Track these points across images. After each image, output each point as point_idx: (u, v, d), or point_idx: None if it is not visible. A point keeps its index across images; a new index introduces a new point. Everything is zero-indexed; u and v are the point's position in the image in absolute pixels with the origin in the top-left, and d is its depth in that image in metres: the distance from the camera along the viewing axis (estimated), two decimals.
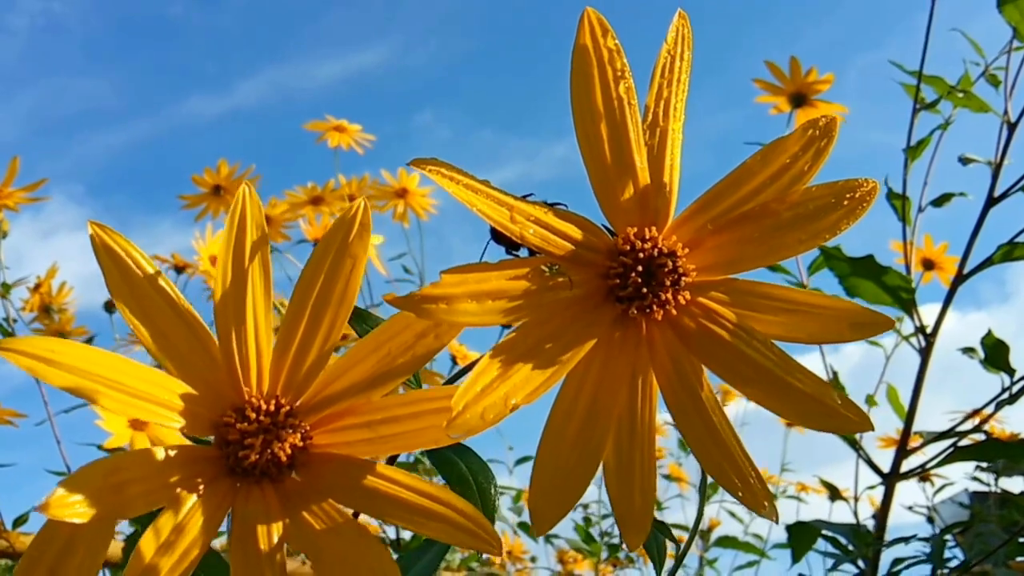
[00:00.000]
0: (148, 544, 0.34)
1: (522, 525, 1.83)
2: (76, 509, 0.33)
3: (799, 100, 1.51)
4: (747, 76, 1.58)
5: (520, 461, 1.90)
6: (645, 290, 0.39)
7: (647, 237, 0.39)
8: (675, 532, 0.59)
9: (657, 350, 0.40)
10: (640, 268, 0.38)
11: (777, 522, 0.39)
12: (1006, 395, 1.31)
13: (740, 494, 0.39)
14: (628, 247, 0.39)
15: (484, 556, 1.79)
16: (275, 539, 0.37)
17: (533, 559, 2.08)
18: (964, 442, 1.33)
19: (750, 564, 2.11)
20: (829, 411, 0.39)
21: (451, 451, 0.45)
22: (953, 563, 1.42)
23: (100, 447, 1.43)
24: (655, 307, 0.39)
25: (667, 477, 2.31)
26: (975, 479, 1.86)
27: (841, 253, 1.30)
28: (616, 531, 2.19)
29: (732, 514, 2.25)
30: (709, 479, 0.64)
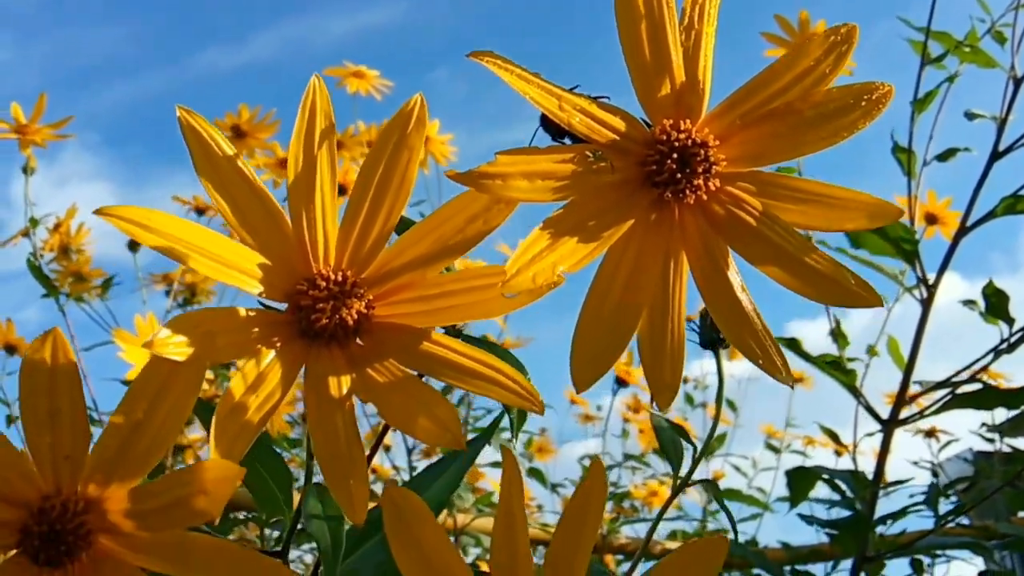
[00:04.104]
0: (237, 385, 0.39)
1: (531, 471, 1.88)
2: (175, 348, 0.37)
3: None
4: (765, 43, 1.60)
5: None
6: (679, 176, 0.42)
7: (682, 128, 0.43)
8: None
9: (688, 233, 0.44)
10: (675, 156, 0.42)
11: (792, 387, 0.43)
12: (1005, 345, 1.35)
13: (760, 361, 0.43)
14: (664, 136, 0.42)
15: (493, 499, 1.84)
16: (344, 390, 0.41)
17: (539, 506, 2.14)
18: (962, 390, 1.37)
19: (753, 517, 2.17)
20: (844, 289, 0.43)
21: (488, 349, 0.50)
22: (960, 519, 1.45)
23: (123, 381, 1.48)
24: (688, 192, 0.43)
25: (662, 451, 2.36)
26: (981, 436, 1.90)
27: None
28: (622, 481, 2.25)
29: (737, 468, 2.31)
30: (715, 432, 0.69)
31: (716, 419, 0.67)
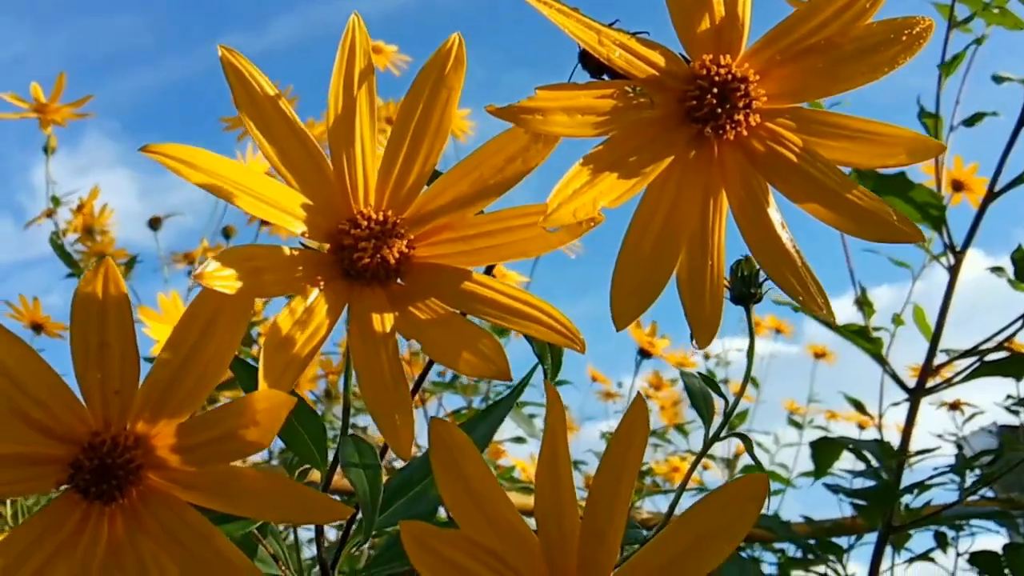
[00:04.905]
0: (284, 320, 0.39)
1: None
2: (225, 282, 0.37)
3: None
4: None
5: (559, 384, 1.95)
6: (719, 111, 0.42)
7: (722, 63, 0.42)
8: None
9: (728, 170, 0.44)
10: (715, 91, 0.42)
11: (834, 322, 0.43)
12: None
13: (800, 298, 0.43)
14: (704, 71, 0.42)
15: (516, 473, 1.85)
16: (387, 327, 0.42)
17: None
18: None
19: (775, 492, 2.16)
20: (885, 224, 0.43)
21: None
22: (983, 491, 1.44)
23: (147, 359, 1.49)
24: (728, 127, 0.43)
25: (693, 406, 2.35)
26: (1007, 409, 1.88)
27: (872, 170, 1.32)
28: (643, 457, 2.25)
29: (759, 444, 2.30)
30: (738, 408, 0.68)
31: (745, 382, 0.67)
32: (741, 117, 0.43)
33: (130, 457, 0.39)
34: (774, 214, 0.44)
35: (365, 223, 0.43)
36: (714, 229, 0.43)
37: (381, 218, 0.43)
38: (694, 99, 0.42)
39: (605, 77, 0.43)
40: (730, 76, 0.42)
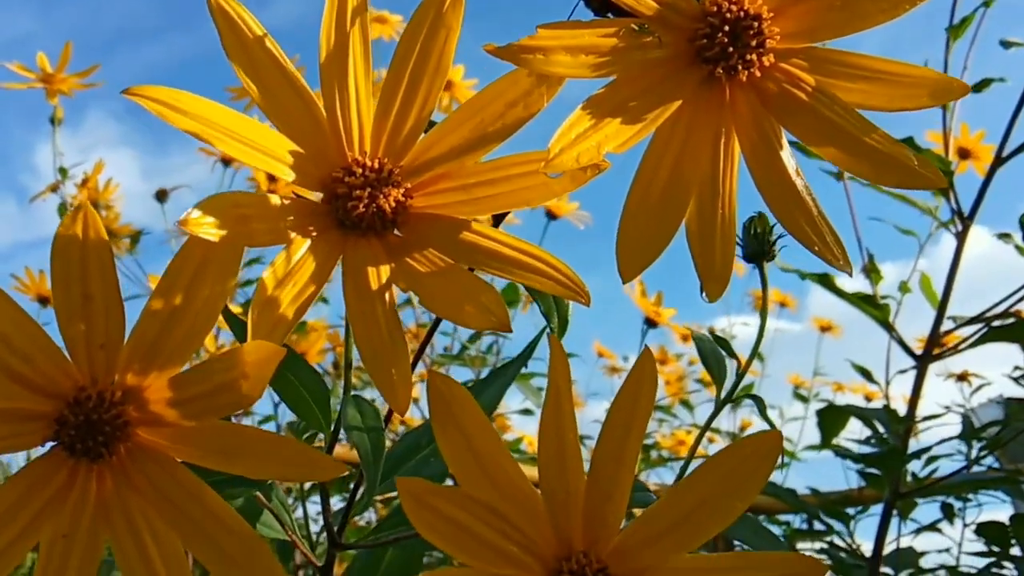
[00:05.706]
0: (273, 274, 0.37)
1: None
2: (210, 229, 0.36)
3: None
4: None
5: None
6: (731, 51, 0.40)
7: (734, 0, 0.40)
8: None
9: (740, 113, 0.42)
10: (727, 29, 0.40)
11: (851, 275, 0.42)
12: None
13: (816, 248, 0.41)
14: (715, 8, 0.40)
15: (523, 447, 1.84)
16: (383, 280, 0.40)
17: None
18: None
19: (781, 466, 2.15)
20: (905, 168, 0.41)
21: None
22: (988, 460, 1.43)
23: None
24: (740, 68, 0.40)
25: (699, 381, 2.35)
26: (1015, 381, 1.87)
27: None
28: (649, 431, 2.24)
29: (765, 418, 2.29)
30: (741, 383, 0.66)
31: (759, 341, 0.65)
32: (754, 57, 0.40)
33: (117, 413, 0.38)
34: (788, 159, 0.42)
35: (360, 171, 0.41)
36: (725, 176, 0.41)
37: (377, 166, 0.41)
38: (704, 38, 0.40)
39: (610, 15, 0.41)
40: (742, 13, 0.40)
